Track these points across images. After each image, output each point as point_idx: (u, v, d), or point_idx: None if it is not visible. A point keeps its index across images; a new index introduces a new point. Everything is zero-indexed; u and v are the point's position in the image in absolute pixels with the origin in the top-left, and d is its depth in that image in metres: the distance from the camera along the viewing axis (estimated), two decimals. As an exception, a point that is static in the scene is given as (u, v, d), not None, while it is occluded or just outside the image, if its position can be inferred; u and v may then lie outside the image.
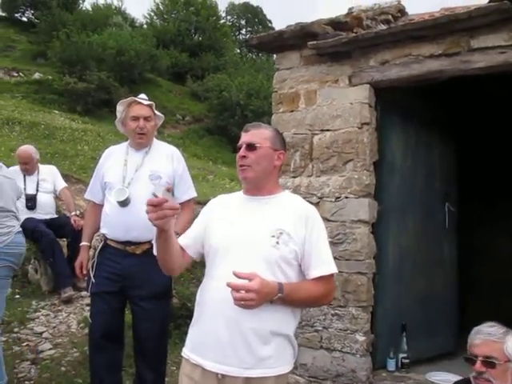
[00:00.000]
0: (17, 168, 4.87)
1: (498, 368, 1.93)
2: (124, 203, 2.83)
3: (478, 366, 1.96)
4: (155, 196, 1.66)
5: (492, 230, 5.59)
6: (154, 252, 1.98)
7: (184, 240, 2.01)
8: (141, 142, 2.99)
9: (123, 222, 2.85)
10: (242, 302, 1.69)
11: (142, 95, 3.10)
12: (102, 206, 3.05)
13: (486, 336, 1.98)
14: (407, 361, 3.60)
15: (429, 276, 4.11)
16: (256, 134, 1.96)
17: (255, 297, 1.69)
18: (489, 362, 1.94)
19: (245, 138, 1.97)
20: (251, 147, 1.92)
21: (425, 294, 4.04)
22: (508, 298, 5.36)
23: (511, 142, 5.27)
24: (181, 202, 3.00)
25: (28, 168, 4.83)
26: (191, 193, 3.08)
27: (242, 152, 1.93)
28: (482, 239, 5.53)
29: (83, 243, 3.10)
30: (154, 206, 1.67)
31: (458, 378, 3.22)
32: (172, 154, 3.06)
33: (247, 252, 1.82)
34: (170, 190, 1.65)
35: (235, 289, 1.68)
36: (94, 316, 2.91)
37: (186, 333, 1.99)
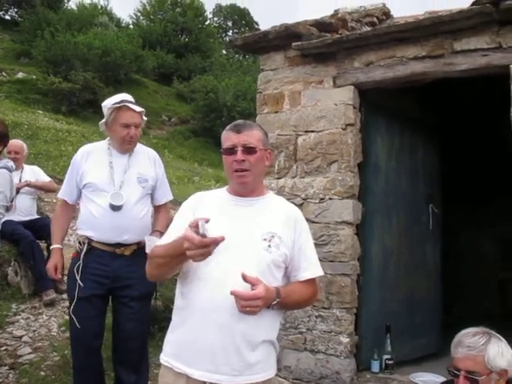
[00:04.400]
0: None
1: (480, 382, 1.89)
2: (118, 207, 2.80)
3: (461, 381, 1.92)
4: (203, 235, 1.58)
5: (475, 232, 5.65)
6: (147, 250, 1.93)
7: None
8: (129, 148, 2.95)
9: (115, 224, 2.80)
10: (248, 309, 1.66)
11: (128, 96, 2.99)
12: (73, 206, 3.05)
13: (467, 350, 1.92)
14: (391, 362, 3.60)
15: (413, 277, 4.12)
16: (251, 136, 1.84)
17: (261, 303, 1.67)
18: (471, 378, 1.90)
19: (239, 139, 1.83)
20: (250, 151, 1.82)
21: (409, 295, 4.05)
22: (490, 297, 5.43)
23: (489, 147, 5.34)
24: (160, 204, 3.11)
25: (18, 158, 4.74)
26: (169, 196, 3.18)
27: (240, 156, 1.80)
28: (465, 241, 5.59)
29: (56, 246, 2.97)
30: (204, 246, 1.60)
31: (441, 378, 3.24)
32: (154, 158, 3.09)
33: (239, 255, 1.76)
34: (208, 221, 1.62)
35: (243, 298, 1.64)
36: (84, 321, 2.78)
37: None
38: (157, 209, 3.13)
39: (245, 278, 1.67)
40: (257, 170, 1.85)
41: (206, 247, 1.59)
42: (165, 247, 1.79)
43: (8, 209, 4.43)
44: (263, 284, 1.69)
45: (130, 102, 2.91)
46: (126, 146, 2.93)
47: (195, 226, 1.60)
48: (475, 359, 1.91)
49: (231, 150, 1.83)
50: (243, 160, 1.81)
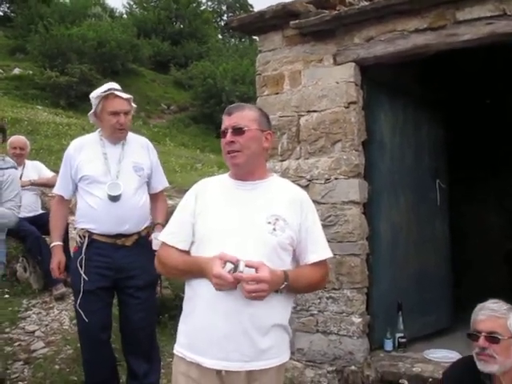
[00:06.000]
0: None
1: (501, 343, 1.93)
2: (117, 198, 2.79)
3: (482, 341, 1.95)
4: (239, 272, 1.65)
5: (482, 205, 5.60)
6: (154, 247, 2.01)
7: (184, 243, 1.87)
8: (121, 136, 2.93)
9: (115, 215, 2.79)
10: (254, 294, 1.64)
11: (114, 84, 2.97)
12: (69, 201, 3.06)
13: (490, 312, 1.98)
14: (404, 340, 3.58)
15: (422, 254, 4.09)
16: (241, 117, 1.84)
17: (267, 287, 1.65)
18: (492, 338, 1.94)
19: (229, 121, 1.84)
20: (238, 131, 1.81)
21: (419, 272, 4.03)
22: (498, 272, 5.39)
23: (494, 118, 5.26)
24: (156, 192, 3.11)
25: (23, 154, 4.77)
26: (165, 182, 3.17)
27: (229, 137, 1.81)
28: (471, 215, 5.53)
29: (57, 243, 2.96)
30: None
31: (455, 353, 3.24)
32: (147, 145, 3.08)
33: (244, 240, 1.74)
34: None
35: (246, 281, 1.63)
36: (91, 314, 2.79)
37: (180, 324, 1.92)
38: (154, 197, 3.10)
39: (248, 265, 1.65)
40: (249, 150, 1.82)
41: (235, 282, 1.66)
42: (183, 263, 1.82)
43: None
44: (267, 267, 1.67)
45: (117, 90, 2.88)
46: (117, 135, 2.91)
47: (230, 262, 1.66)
48: (498, 321, 1.96)
49: (223, 133, 1.85)
50: (232, 141, 1.81)
